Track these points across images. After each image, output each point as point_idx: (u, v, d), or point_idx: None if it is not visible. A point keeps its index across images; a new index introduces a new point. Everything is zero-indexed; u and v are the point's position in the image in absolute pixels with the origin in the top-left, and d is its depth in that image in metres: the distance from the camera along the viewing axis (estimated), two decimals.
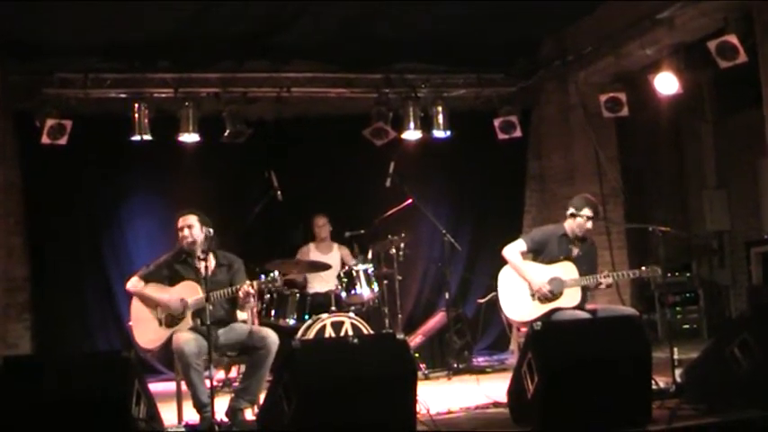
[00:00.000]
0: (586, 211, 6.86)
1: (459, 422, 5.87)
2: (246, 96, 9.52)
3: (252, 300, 6.25)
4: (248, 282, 6.17)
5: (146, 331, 6.18)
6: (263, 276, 6.32)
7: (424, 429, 5.30)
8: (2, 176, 8.99)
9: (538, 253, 6.93)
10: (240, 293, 6.10)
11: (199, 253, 6.12)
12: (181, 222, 6.35)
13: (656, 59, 8.85)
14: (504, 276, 6.89)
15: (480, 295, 9.75)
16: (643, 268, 6.91)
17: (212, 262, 6.31)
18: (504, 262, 6.93)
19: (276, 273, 6.39)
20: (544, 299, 6.70)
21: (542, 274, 6.77)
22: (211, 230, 6.27)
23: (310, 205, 9.51)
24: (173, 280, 6.26)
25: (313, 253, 9.09)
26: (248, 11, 8.52)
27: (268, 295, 8.16)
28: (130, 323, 6.33)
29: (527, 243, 6.94)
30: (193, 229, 6.29)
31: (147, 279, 6.29)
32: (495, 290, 7.01)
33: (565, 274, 6.74)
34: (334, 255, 9.16)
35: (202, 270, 5.93)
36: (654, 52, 8.85)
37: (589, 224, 6.91)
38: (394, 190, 8.75)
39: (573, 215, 6.91)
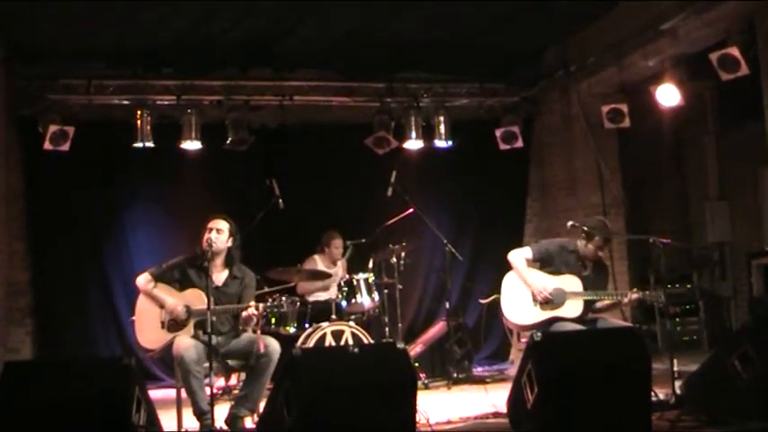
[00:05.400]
0: (598, 241, 6.77)
1: None
2: (249, 104, 9.54)
3: (254, 319, 6.12)
4: (254, 303, 6.13)
5: (147, 330, 6.15)
6: (269, 300, 6.29)
7: None
8: (5, 182, 8.99)
9: (545, 264, 6.89)
10: (243, 314, 6.07)
11: (214, 259, 6.11)
12: (211, 224, 6.27)
13: (659, 70, 8.85)
14: (509, 280, 6.86)
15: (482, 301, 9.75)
16: (647, 292, 6.87)
17: (225, 273, 6.31)
18: (509, 266, 6.92)
19: (284, 298, 6.38)
20: (545, 304, 6.68)
21: (545, 281, 6.75)
22: (238, 243, 6.29)
23: (311, 214, 9.53)
24: (183, 284, 6.23)
25: (319, 266, 9.06)
26: (251, 18, 8.55)
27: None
28: (133, 318, 6.30)
29: (534, 251, 6.90)
30: (222, 234, 6.25)
31: (157, 279, 6.24)
32: (499, 293, 6.99)
33: (568, 286, 6.71)
34: (338, 269, 9.15)
35: (217, 280, 5.94)
36: (656, 63, 8.85)
37: (600, 253, 6.88)
38: (395, 199, 8.75)
39: (586, 239, 6.82)
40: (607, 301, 6.82)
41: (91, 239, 9.59)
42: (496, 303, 7.12)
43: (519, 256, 6.87)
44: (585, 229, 6.82)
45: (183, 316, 6.07)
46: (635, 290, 6.96)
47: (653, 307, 10.47)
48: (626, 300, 6.75)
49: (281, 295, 6.77)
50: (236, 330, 6.24)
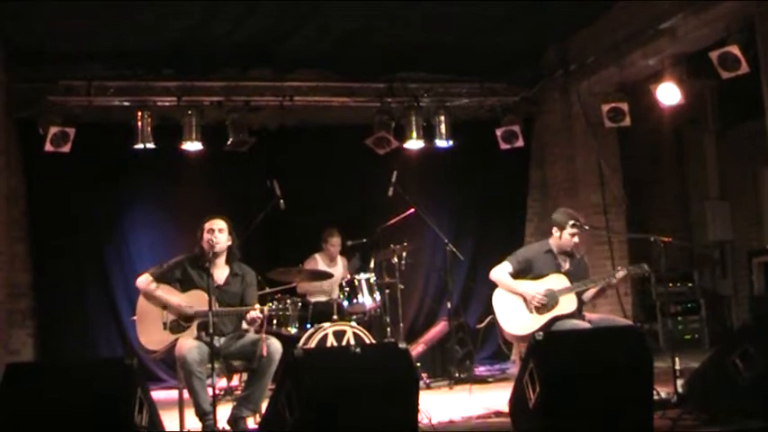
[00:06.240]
0: (570, 228, 6.87)
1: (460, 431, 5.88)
2: (249, 105, 9.54)
3: (258, 321, 6.09)
4: (258, 306, 6.12)
5: (150, 332, 6.13)
6: (275, 304, 6.27)
7: None
8: (5, 184, 9.00)
9: (526, 272, 6.92)
10: (248, 317, 6.07)
11: (215, 260, 6.11)
12: (209, 225, 6.26)
13: (659, 69, 8.86)
14: (498, 297, 6.88)
15: (482, 306, 9.75)
16: (630, 267, 6.93)
17: (226, 271, 6.31)
18: (493, 285, 6.95)
19: (288, 302, 6.37)
20: (541, 308, 6.69)
21: (534, 286, 6.77)
22: (237, 241, 6.28)
23: (312, 214, 9.54)
24: (184, 285, 6.23)
25: (320, 265, 9.07)
26: (251, 19, 8.55)
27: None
28: (134, 318, 6.28)
29: (513, 264, 6.92)
30: (223, 233, 6.24)
31: (158, 279, 6.22)
32: (492, 313, 6.99)
33: (556, 284, 6.75)
34: (339, 267, 9.17)
35: (218, 279, 5.93)
36: (656, 62, 8.86)
37: (575, 239, 6.92)
38: (396, 199, 8.75)
39: (558, 231, 6.92)
40: (594, 289, 6.86)
41: (92, 241, 9.59)
42: (493, 322, 7.13)
43: (501, 272, 6.90)
44: (555, 222, 6.94)
45: (191, 312, 6.05)
46: (619, 267, 7.01)
47: (654, 305, 10.49)
48: (614, 280, 6.80)
49: (285, 297, 6.74)
50: (240, 331, 6.24)
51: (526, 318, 6.72)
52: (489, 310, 7.06)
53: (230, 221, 6.36)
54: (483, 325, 9.20)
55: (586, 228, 7.08)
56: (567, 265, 6.92)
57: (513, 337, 6.86)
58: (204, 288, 6.08)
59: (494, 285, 6.95)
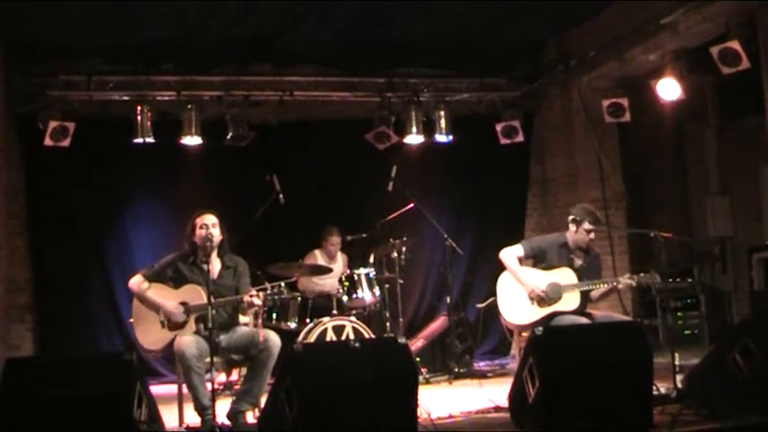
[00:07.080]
0: (587, 225, 6.84)
1: (460, 426, 5.87)
2: (249, 99, 9.53)
3: (255, 307, 6.15)
4: (254, 291, 6.13)
5: (148, 332, 6.13)
6: (268, 287, 6.27)
7: None
8: (5, 179, 8.99)
9: (538, 260, 6.92)
10: (244, 303, 6.08)
11: (211, 254, 6.11)
12: (200, 221, 6.25)
13: (659, 65, 8.85)
14: (504, 281, 6.88)
15: (481, 300, 9.74)
16: (642, 274, 6.89)
17: (218, 264, 6.30)
18: (502, 266, 6.93)
19: (282, 284, 6.36)
20: (541, 301, 6.69)
21: (539, 278, 6.75)
22: (226, 234, 6.28)
23: (312, 209, 9.54)
24: (177, 282, 6.21)
25: (319, 261, 9.06)
26: (252, 14, 8.53)
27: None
28: (131, 320, 6.27)
29: (525, 249, 6.92)
30: (215, 228, 6.24)
31: (150, 279, 6.21)
32: (495, 294, 6.99)
33: (563, 279, 6.73)
34: (338, 264, 9.16)
35: (212, 273, 5.93)
36: (657, 57, 8.85)
37: (592, 235, 6.90)
38: (396, 194, 8.74)
39: (575, 226, 6.90)
40: (603, 289, 6.84)
41: (91, 236, 9.58)
42: (494, 305, 7.13)
43: (511, 255, 6.88)
44: (572, 216, 6.90)
45: (182, 318, 6.05)
46: (627, 275, 6.99)
47: (654, 301, 10.47)
48: (620, 286, 6.78)
49: (278, 284, 6.71)
50: (235, 321, 6.26)
51: (526, 308, 6.72)
52: (493, 291, 7.05)
53: (219, 215, 6.36)
54: (484, 306, 9.16)
55: (603, 226, 7.05)
56: (579, 261, 6.90)
57: (510, 324, 6.86)
58: (197, 282, 6.10)
59: (498, 273, 6.93)
